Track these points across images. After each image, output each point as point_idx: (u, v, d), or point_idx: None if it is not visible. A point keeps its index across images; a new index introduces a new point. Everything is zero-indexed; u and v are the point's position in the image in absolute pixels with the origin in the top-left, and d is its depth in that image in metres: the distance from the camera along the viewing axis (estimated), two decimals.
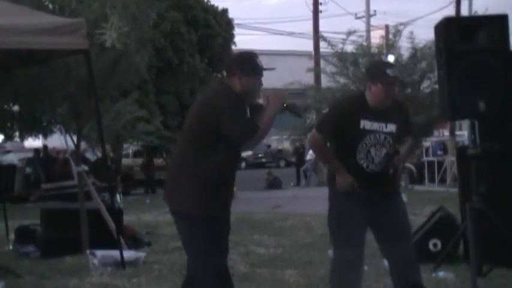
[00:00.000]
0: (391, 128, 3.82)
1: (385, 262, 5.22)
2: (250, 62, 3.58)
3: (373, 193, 3.78)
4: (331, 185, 3.92)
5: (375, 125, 3.79)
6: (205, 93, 3.73)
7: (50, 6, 6.87)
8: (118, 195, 8.83)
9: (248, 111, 3.51)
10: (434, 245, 5.73)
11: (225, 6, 23.48)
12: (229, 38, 23.11)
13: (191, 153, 3.44)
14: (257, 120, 3.42)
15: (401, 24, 15.93)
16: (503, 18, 4.86)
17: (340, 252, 3.86)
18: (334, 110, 4.18)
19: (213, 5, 22.61)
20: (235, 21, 24.09)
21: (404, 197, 12.42)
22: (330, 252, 6.26)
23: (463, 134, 19.22)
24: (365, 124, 3.77)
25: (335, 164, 3.84)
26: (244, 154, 35.14)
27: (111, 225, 6.67)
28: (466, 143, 12.83)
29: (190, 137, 3.48)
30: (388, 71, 3.79)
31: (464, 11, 14.75)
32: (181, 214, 3.48)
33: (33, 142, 22.14)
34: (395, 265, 3.92)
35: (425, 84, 14.78)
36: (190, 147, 3.46)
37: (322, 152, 3.94)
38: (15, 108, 10.63)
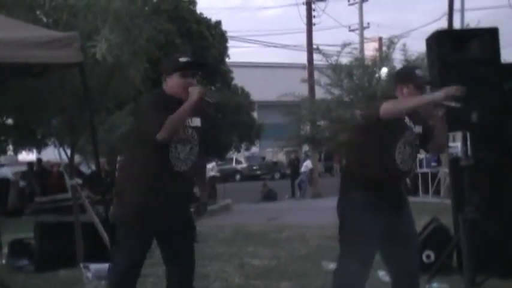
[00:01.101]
0: (419, 129, 3.84)
1: (380, 273, 5.26)
2: (169, 61, 3.65)
3: (393, 201, 3.74)
4: (348, 193, 3.81)
5: (411, 124, 3.80)
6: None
7: (44, 19, 6.89)
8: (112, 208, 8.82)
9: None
10: (428, 256, 5.74)
11: (219, 19, 23.58)
12: (223, 50, 23.19)
13: (128, 153, 3.68)
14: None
15: (394, 36, 16.04)
16: (494, 31, 4.92)
17: (350, 268, 3.73)
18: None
19: (206, 17, 22.69)
20: (229, 34, 24.19)
21: None
22: (325, 263, 6.29)
23: (457, 145, 19.29)
24: (406, 119, 3.76)
25: (413, 98, 3.71)
26: (239, 166, 35.16)
27: (106, 238, 6.66)
28: (459, 154, 12.88)
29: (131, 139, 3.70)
30: (418, 72, 3.89)
31: (457, 24, 14.84)
32: None
33: (27, 156, 22.08)
34: (399, 277, 3.88)
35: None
36: (128, 148, 3.70)
37: (395, 104, 3.70)
38: (9, 121, 10.60)
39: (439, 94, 3.64)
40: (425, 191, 17.65)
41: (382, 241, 3.77)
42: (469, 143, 5.04)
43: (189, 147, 3.56)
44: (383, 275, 5.36)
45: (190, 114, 3.49)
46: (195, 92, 3.45)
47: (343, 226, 3.83)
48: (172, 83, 3.54)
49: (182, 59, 3.56)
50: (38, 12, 6.84)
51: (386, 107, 3.63)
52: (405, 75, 3.95)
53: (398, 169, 3.76)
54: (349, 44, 16.33)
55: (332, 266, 6.08)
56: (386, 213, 3.72)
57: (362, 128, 3.96)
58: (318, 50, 18.46)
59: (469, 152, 5.00)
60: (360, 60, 15.99)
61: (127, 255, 3.61)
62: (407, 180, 17.89)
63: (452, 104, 3.74)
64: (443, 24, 18.39)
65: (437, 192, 17.00)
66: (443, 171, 16.57)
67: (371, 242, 3.71)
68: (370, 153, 3.76)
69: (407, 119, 3.77)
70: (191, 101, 3.43)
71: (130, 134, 3.66)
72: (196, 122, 3.62)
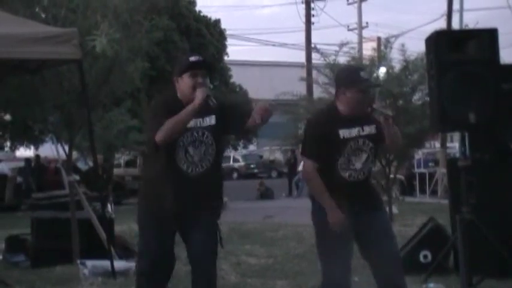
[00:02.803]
0: (369, 129, 3.69)
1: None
2: (179, 62, 3.62)
3: (356, 204, 3.67)
4: (314, 199, 3.80)
5: (353, 132, 3.65)
6: None
7: (43, 15, 6.88)
8: (109, 205, 8.80)
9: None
10: (425, 256, 5.74)
11: (218, 17, 23.57)
12: (222, 48, 23.18)
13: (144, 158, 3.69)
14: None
15: (392, 36, 16.04)
16: (493, 31, 4.93)
17: (329, 272, 3.74)
18: (313, 129, 3.81)
19: (205, 16, 22.68)
20: (228, 32, 24.19)
21: (394, 208, 12.46)
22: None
23: (454, 146, 19.33)
24: (344, 133, 3.64)
25: (327, 199, 3.64)
26: (236, 165, 35.16)
27: (102, 235, 6.65)
28: (457, 154, 12.89)
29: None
30: (362, 75, 3.69)
31: (455, 24, 14.88)
32: None
33: (24, 152, 22.07)
34: (380, 272, 3.79)
35: (416, 96, 14.86)
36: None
37: (317, 183, 3.66)
38: (7, 117, 10.59)
39: (337, 221, 3.60)
40: (422, 191, 17.67)
41: (357, 242, 3.74)
42: (467, 143, 5.04)
43: (203, 149, 3.53)
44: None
45: (192, 117, 3.44)
46: (200, 94, 3.41)
47: (316, 231, 3.83)
48: (182, 84, 3.51)
49: (192, 59, 3.52)
50: (37, 9, 6.83)
51: (311, 176, 3.63)
52: (348, 78, 3.68)
53: (347, 181, 3.67)
54: (347, 43, 16.34)
55: None
56: (353, 215, 3.64)
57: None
58: (316, 49, 18.47)
59: (467, 153, 5.00)
60: (357, 59, 16.00)
61: (143, 252, 3.68)
62: (404, 181, 17.95)
63: (385, 111, 3.64)
64: (442, 24, 18.42)
65: (434, 193, 17.03)
66: (441, 171, 16.60)
67: (340, 242, 3.66)
68: (319, 170, 3.67)
69: (346, 131, 3.63)
70: (194, 104, 3.40)
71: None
72: (209, 120, 3.56)
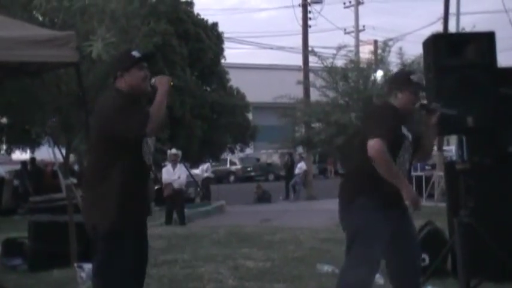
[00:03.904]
0: (410, 135, 3.85)
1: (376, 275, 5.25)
2: (125, 57, 3.64)
3: (397, 204, 3.75)
4: (361, 197, 3.77)
5: (405, 131, 3.79)
6: (97, 104, 3.72)
7: (40, 18, 6.87)
8: None
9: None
10: (423, 259, 5.74)
11: (215, 20, 23.61)
12: (219, 51, 23.20)
13: (97, 164, 3.53)
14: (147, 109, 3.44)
15: (390, 39, 16.07)
16: (490, 35, 4.94)
17: (358, 267, 3.73)
18: (387, 111, 3.84)
19: (203, 19, 22.71)
20: (225, 35, 24.20)
21: None
22: (320, 266, 6.29)
23: (451, 149, 19.36)
24: (404, 130, 3.76)
25: (402, 178, 3.68)
26: (233, 168, 35.15)
27: None
28: (454, 157, 12.91)
29: (96, 149, 3.57)
30: (413, 78, 3.87)
31: (452, 28, 14.91)
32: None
33: (21, 155, 22.02)
34: (401, 276, 3.91)
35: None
36: (96, 159, 3.56)
37: (390, 163, 3.64)
38: (4, 120, 10.58)
39: (414, 199, 3.69)
40: (419, 195, 17.66)
41: (388, 242, 3.79)
42: (465, 147, 5.05)
43: (154, 139, 3.64)
44: (378, 277, 5.36)
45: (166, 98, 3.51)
46: (164, 80, 3.51)
47: (357, 230, 3.78)
48: (132, 78, 3.53)
49: (135, 53, 3.59)
50: (34, 12, 6.83)
51: (382, 157, 3.60)
52: (401, 80, 3.92)
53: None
54: (345, 46, 16.39)
55: (327, 268, 6.09)
56: (392, 216, 3.74)
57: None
58: (314, 53, 18.47)
59: (465, 156, 5.01)
60: (355, 63, 16.03)
61: (124, 264, 3.50)
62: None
63: (449, 111, 3.77)
64: (438, 28, 18.45)
65: (431, 196, 17.03)
66: (438, 174, 16.60)
67: (383, 244, 3.73)
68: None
69: (405, 129, 3.77)
70: (165, 89, 3.48)
71: (90, 148, 3.64)
72: None
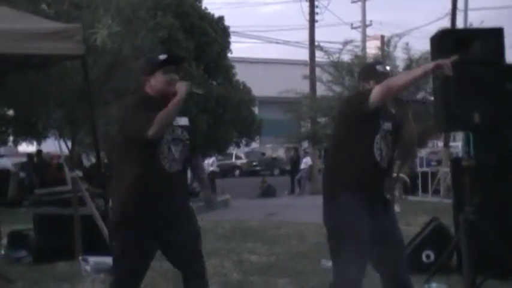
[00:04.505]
0: (388, 126, 3.70)
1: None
2: (150, 61, 3.62)
3: (377, 198, 3.64)
4: (337, 194, 3.65)
5: (381, 121, 3.69)
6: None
7: (47, 10, 6.88)
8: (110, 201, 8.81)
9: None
10: (427, 256, 5.73)
11: (221, 14, 23.56)
12: (226, 45, 23.15)
13: (117, 161, 3.61)
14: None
15: (396, 35, 16.03)
16: (498, 31, 4.90)
17: (347, 270, 3.63)
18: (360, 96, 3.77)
19: (209, 13, 22.65)
20: (231, 29, 24.14)
21: (397, 207, 12.47)
22: (324, 261, 6.27)
23: (457, 145, 19.30)
24: (380, 117, 3.66)
25: (415, 71, 3.68)
26: (239, 162, 35.16)
27: (105, 231, 6.64)
28: (460, 154, 12.87)
29: (116, 146, 3.60)
30: (379, 68, 3.78)
31: (459, 24, 14.83)
32: None
33: (27, 148, 22.06)
34: (389, 275, 3.82)
35: (420, 95, 14.85)
36: (116, 156, 3.62)
37: (396, 80, 3.56)
38: (10, 112, 10.61)
39: (430, 64, 3.54)
40: (425, 191, 17.64)
41: (372, 242, 3.63)
42: (471, 143, 5.03)
43: (181, 146, 3.55)
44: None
45: (179, 109, 3.48)
46: (183, 87, 3.47)
47: (337, 231, 3.65)
48: (155, 81, 3.52)
49: (162, 57, 3.56)
50: (41, 5, 6.83)
51: (380, 90, 3.46)
52: (366, 72, 3.87)
53: (377, 166, 3.61)
54: (351, 41, 16.35)
55: (331, 264, 6.08)
56: (374, 213, 3.61)
57: (347, 119, 3.73)
58: (320, 48, 18.44)
59: (471, 153, 4.99)
60: (361, 58, 15.99)
61: (126, 260, 3.57)
62: (407, 180, 17.93)
63: (421, 99, 3.67)
64: (446, 23, 18.39)
65: (436, 192, 17.00)
66: (443, 170, 16.57)
67: (367, 243, 3.59)
68: (352, 148, 3.62)
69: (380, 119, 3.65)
70: (181, 96, 3.45)
71: (115, 143, 3.64)
72: (184, 121, 3.62)
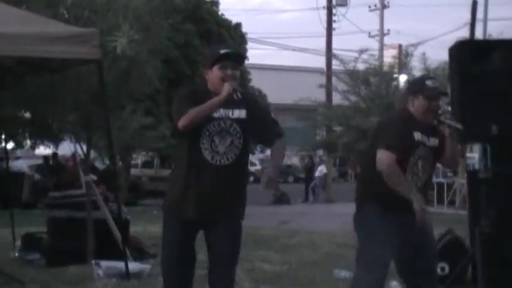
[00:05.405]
0: (434, 142, 3.80)
1: (392, 284, 5.19)
2: (210, 53, 3.60)
3: (408, 212, 3.68)
4: (371, 201, 3.80)
5: (424, 138, 3.76)
6: None
7: (66, 15, 6.90)
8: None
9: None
10: (442, 268, 5.66)
11: (239, 21, 23.59)
12: (242, 52, 23.18)
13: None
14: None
15: (412, 45, 15.95)
16: None
17: (369, 274, 3.75)
18: (397, 120, 3.89)
19: (226, 19, 22.71)
20: (248, 36, 24.18)
21: None
22: (337, 271, 6.23)
23: (474, 156, 19.12)
24: (417, 136, 3.73)
25: (410, 187, 3.65)
26: (253, 168, 35.12)
27: (118, 235, 6.65)
28: (477, 165, 12.73)
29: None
30: (428, 83, 3.80)
31: (478, 34, 14.70)
32: None
33: (44, 150, 22.19)
34: (411, 286, 3.92)
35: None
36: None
37: (399, 174, 3.62)
38: (27, 115, 10.66)
39: (420, 209, 3.59)
40: (440, 202, 17.49)
41: (399, 251, 3.78)
42: (488, 155, 4.96)
43: (229, 141, 3.49)
44: (395, 285, 5.29)
45: (216, 109, 3.44)
46: (226, 87, 3.43)
47: (365, 231, 3.83)
48: (212, 75, 3.52)
49: (222, 51, 3.52)
50: (60, 9, 6.85)
51: (391, 168, 3.57)
52: (415, 86, 3.89)
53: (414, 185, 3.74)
54: (366, 50, 16.27)
55: (344, 274, 6.03)
56: (404, 225, 3.70)
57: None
58: (335, 56, 18.37)
59: (489, 165, 4.92)
60: (377, 67, 15.91)
61: (166, 247, 3.62)
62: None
63: (456, 124, 3.74)
64: (463, 33, 18.25)
65: (452, 203, 16.85)
66: (459, 181, 16.42)
67: (391, 249, 3.72)
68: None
69: (419, 134, 3.73)
70: (220, 97, 3.42)
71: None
72: (239, 113, 3.54)
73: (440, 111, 3.83)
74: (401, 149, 3.63)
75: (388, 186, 3.63)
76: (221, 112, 3.48)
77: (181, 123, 3.36)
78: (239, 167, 3.55)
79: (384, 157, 3.60)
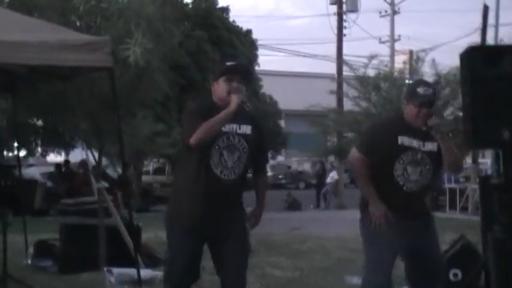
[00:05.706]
0: (432, 146, 3.80)
1: None
2: (217, 66, 3.68)
3: (408, 216, 3.75)
4: (366, 209, 3.89)
5: (414, 143, 3.77)
6: None
7: (78, 23, 6.94)
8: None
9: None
10: (455, 275, 5.62)
11: (249, 27, 23.64)
12: (253, 58, 23.21)
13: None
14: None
15: (423, 50, 15.91)
16: None
17: (373, 276, 3.84)
18: (376, 126, 4.27)
19: (237, 26, 22.77)
20: (259, 42, 24.22)
21: None
22: (348, 278, 6.21)
23: (486, 161, 19.00)
24: (403, 140, 3.76)
25: (370, 191, 3.79)
26: None
27: (130, 242, 6.66)
28: (489, 171, 12.66)
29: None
30: (419, 90, 3.81)
31: (489, 39, 14.67)
32: None
33: (56, 158, 22.33)
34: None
35: (448, 111, 14.69)
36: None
37: (361, 173, 3.84)
38: (39, 123, 10.72)
39: (378, 214, 3.72)
40: (452, 207, 17.40)
41: (406, 256, 3.86)
42: (501, 160, 4.93)
43: (237, 155, 3.51)
44: None
45: (227, 121, 3.44)
46: (234, 99, 3.42)
47: (365, 236, 3.95)
48: (218, 87, 3.52)
49: (228, 64, 3.53)
50: (72, 16, 6.89)
51: (354, 164, 3.83)
52: (408, 92, 4.00)
53: (402, 189, 3.79)
54: (376, 56, 16.25)
55: (356, 280, 6.01)
56: (404, 229, 3.76)
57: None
58: (345, 62, 18.36)
59: (501, 170, 4.90)
60: (388, 73, 15.88)
61: (172, 258, 3.66)
62: (435, 196, 17.69)
63: (444, 129, 3.78)
64: (474, 39, 18.19)
65: (464, 209, 16.75)
66: (471, 187, 16.32)
67: (392, 254, 3.80)
68: (374, 172, 3.81)
69: (406, 139, 3.76)
70: (229, 109, 3.40)
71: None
72: (246, 129, 3.56)
73: (432, 117, 3.83)
74: (371, 151, 3.76)
75: (389, 191, 3.71)
76: (229, 126, 3.49)
77: (193, 141, 3.36)
78: (242, 181, 3.61)
79: (351, 153, 3.89)
